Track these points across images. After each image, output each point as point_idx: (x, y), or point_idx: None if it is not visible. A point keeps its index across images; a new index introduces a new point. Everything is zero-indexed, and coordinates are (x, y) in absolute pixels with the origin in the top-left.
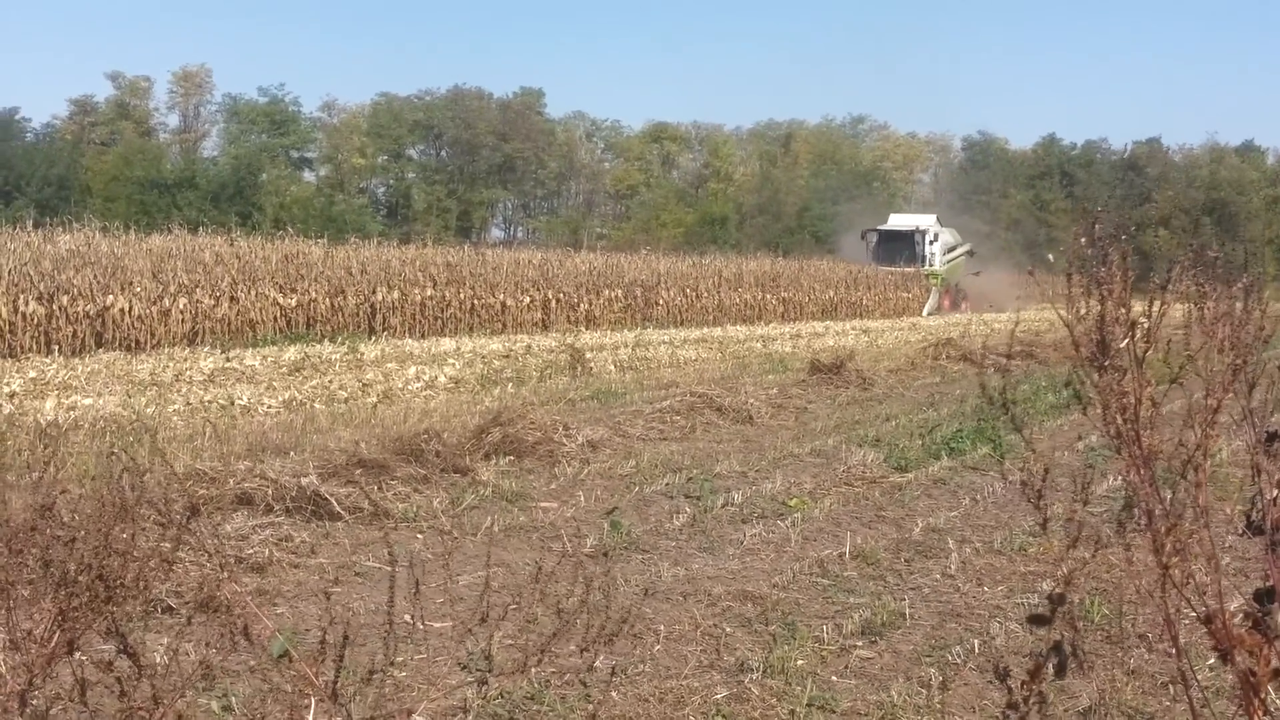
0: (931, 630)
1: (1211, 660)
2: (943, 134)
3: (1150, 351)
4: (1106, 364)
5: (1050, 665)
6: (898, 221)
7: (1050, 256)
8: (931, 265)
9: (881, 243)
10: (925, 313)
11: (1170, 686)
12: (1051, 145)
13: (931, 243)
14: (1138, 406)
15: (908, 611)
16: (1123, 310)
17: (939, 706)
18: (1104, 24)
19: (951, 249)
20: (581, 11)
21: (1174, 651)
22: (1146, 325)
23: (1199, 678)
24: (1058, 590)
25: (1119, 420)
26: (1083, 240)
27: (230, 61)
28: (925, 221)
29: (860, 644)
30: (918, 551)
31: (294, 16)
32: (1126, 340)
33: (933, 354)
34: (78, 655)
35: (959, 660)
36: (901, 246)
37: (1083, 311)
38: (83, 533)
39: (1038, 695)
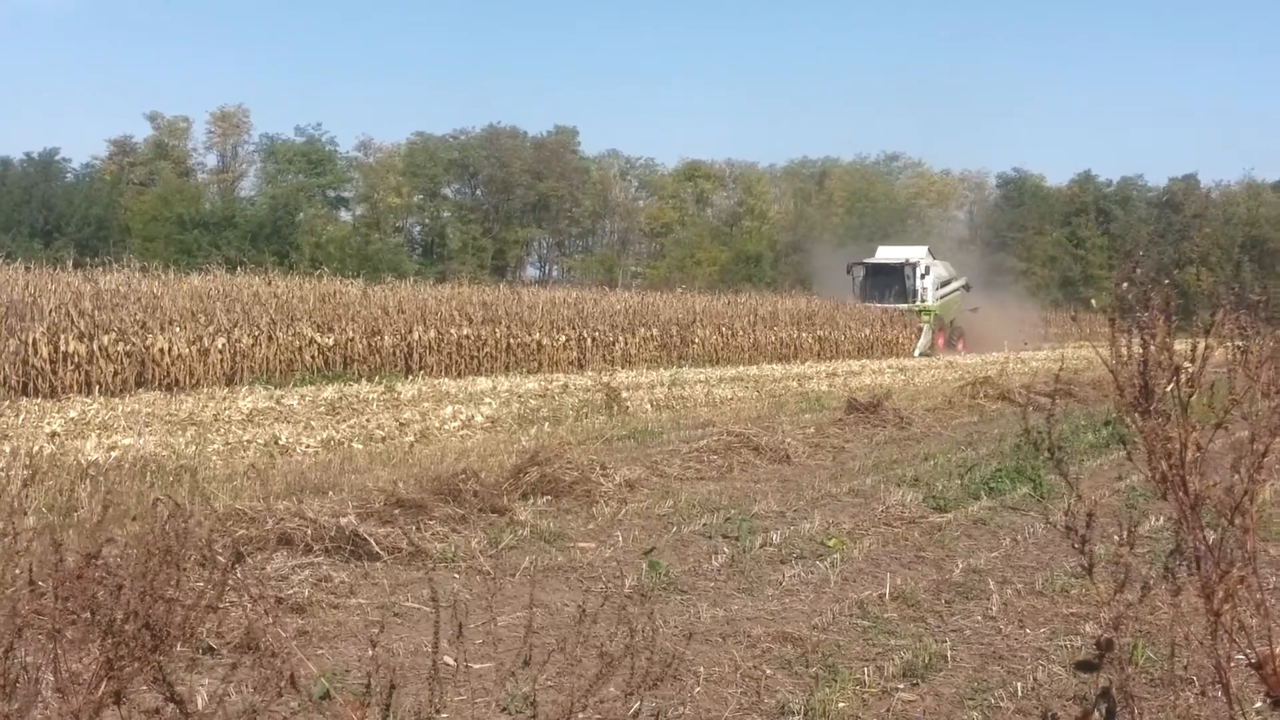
0: (974, 673)
1: (1259, 704)
2: (978, 171)
3: (1194, 395)
4: (1150, 408)
5: (1099, 711)
6: (886, 254)
7: (1093, 302)
8: (923, 300)
9: (868, 277)
10: (916, 352)
11: None
12: (1087, 182)
13: (923, 276)
14: (1183, 451)
15: (949, 654)
16: (1165, 355)
17: None
18: (1139, 60)
19: (945, 283)
20: (615, 51)
21: (1224, 698)
22: (1190, 369)
23: None
24: (1105, 636)
25: (1164, 465)
26: (1124, 285)
27: (267, 102)
28: (916, 254)
29: (902, 686)
30: (958, 593)
31: (330, 57)
32: (1170, 385)
33: (970, 392)
34: (124, 706)
35: (1002, 704)
36: (890, 281)
37: (1125, 355)
38: (129, 579)
39: None
